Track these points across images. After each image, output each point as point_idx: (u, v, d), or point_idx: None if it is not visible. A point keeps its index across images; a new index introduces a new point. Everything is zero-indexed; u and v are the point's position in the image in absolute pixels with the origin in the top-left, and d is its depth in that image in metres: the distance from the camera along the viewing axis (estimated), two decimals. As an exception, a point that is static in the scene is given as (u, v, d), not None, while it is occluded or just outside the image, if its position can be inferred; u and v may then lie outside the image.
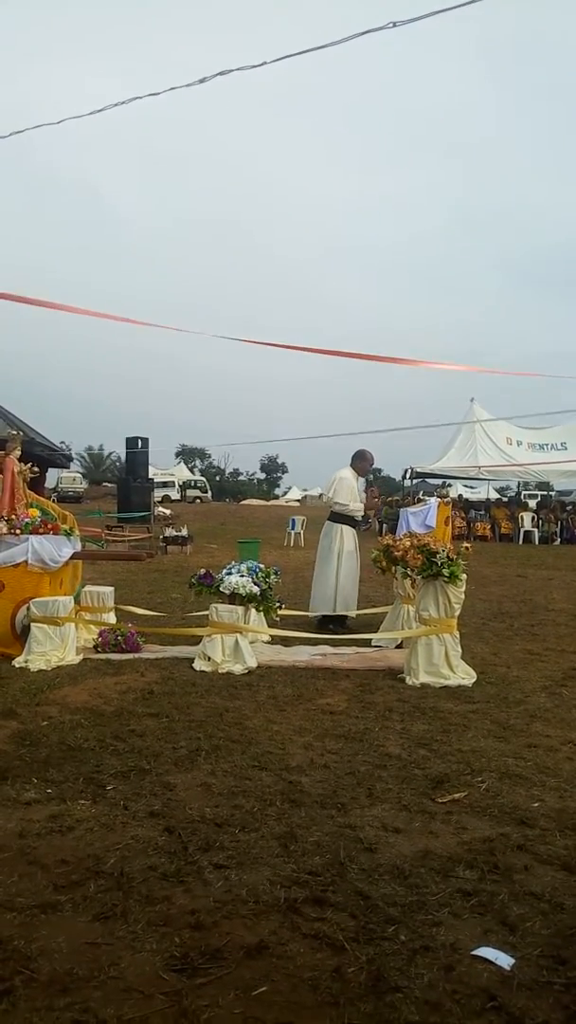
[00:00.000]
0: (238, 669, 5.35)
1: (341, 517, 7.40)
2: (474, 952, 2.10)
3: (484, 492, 34.43)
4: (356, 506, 7.37)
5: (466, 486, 35.16)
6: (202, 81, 4.25)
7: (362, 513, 7.52)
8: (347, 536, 7.32)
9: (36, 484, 7.85)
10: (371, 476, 7.91)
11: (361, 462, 7.49)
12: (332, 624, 7.06)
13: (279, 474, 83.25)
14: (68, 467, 29.29)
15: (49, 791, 3.18)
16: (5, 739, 3.83)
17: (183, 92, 4.41)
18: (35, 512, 6.23)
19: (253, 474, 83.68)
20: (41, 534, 5.90)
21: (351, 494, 7.33)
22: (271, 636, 6.42)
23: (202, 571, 6.02)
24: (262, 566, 6.08)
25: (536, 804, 3.15)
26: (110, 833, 2.80)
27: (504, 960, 2.06)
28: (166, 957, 2.05)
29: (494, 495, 33.60)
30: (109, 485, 43.45)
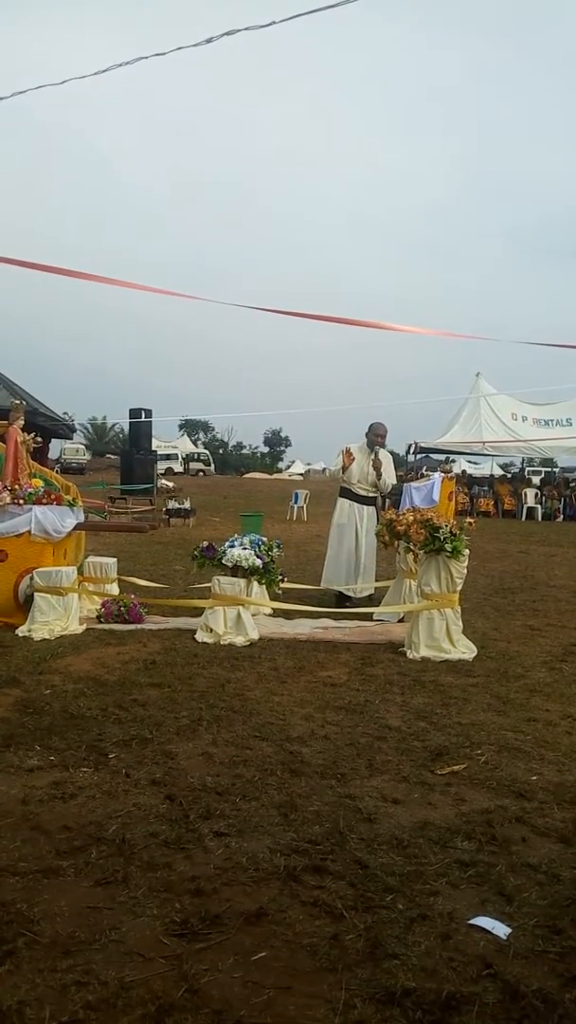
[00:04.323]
0: (240, 641, 5.37)
1: (342, 491, 7.36)
2: (471, 921, 2.12)
3: (488, 468, 34.34)
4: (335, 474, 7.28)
5: (470, 462, 35.04)
6: (209, 41, 4.14)
7: (365, 486, 7.33)
8: (342, 509, 7.28)
9: (39, 455, 7.84)
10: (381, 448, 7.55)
11: (368, 433, 7.32)
12: (348, 603, 7.02)
13: (282, 447, 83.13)
14: (71, 438, 29.28)
15: (52, 758, 3.21)
16: (9, 707, 3.86)
17: (190, 52, 4.31)
18: (38, 482, 6.22)
19: (256, 447, 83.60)
20: (44, 504, 5.90)
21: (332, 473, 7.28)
22: (273, 609, 6.44)
23: (205, 543, 6.02)
24: (265, 539, 6.08)
25: (534, 777, 3.17)
26: (112, 800, 2.82)
27: (501, 929, 2.08)
28: (167, 922, 2.08)
29: (498, 471, 33.52)
30: (112, 457, 43.43)
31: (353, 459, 7.19)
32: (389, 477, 7.29)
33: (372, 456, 7.17)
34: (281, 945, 2.00)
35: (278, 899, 2.21)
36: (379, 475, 7.16)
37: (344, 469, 7.17)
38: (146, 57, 4.57)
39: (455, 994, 1.80)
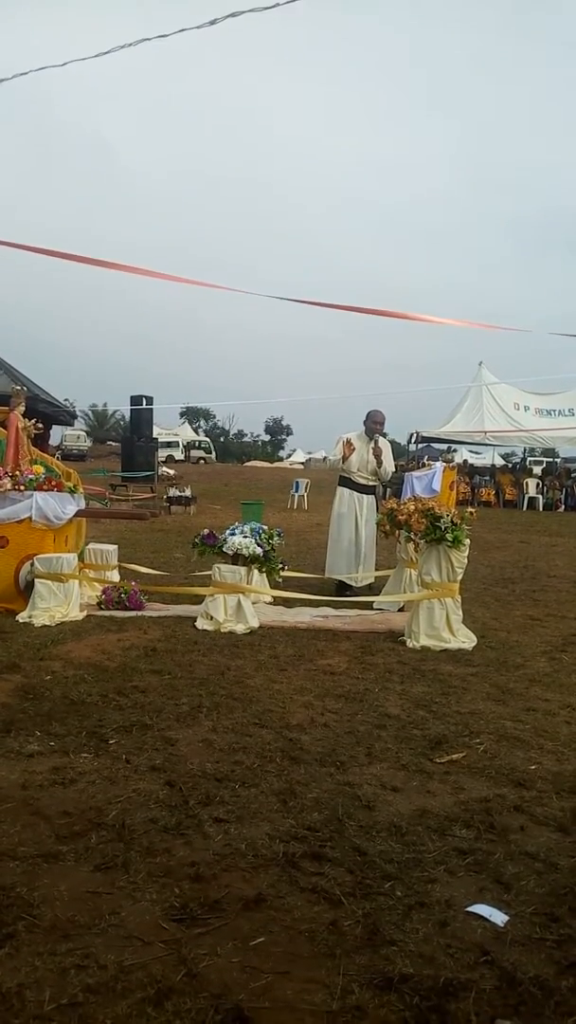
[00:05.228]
0: (240, 629, 5.38)
1: (341, 480, 7.37)
2: (469, 909, 2.13)
3: (489, 458, 34.27)
4: (341, 461, 7.20)
5: (471, 451, 35.01)
6: (213, 23, 4.09)
7: (363, 475, 7.25)
8: (342, 498, 7.30)
9: (40, 441, 7.82)
10: (384, 435, 7.46)
11: (366, 421, 7.29)
12: (347, 592, 7.02)
13: (283, 436, 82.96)
14: (72, 424, 29.21)
15: (52, 744, 3.22)
16: (9, 692, 3.87)
17: (193, 34, 4.25)
18: (39, 469, 6.21)
19: (258, 436, 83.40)
20: (45, 491, 5.89)
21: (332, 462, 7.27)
22: (273, 597, 6.44)
23: (205, 531, 6.02)
24: (265, 527, 6.07)
25: (533, 766, 3.18)
26: (112, 786, 2.83)
27: (498, 917, 2.09)
28: (166, 907, 2.09)
29: (499, 461, 33.45)
30: (113, 444, 43.37)
31: (353, 449, 7.16)
32: (389, 464, 7.28)
33: (371, 444, 7.16)
34: (280, 931, 2.01)
35: (277, 885, 2.22)
36: (379, 463, 7.14)
37: (344, 459, 7.15)
38: (149, 39, 4.51)
39: (452, 980, 1.81)
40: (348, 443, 7.18)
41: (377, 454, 7.12)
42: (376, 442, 7.16)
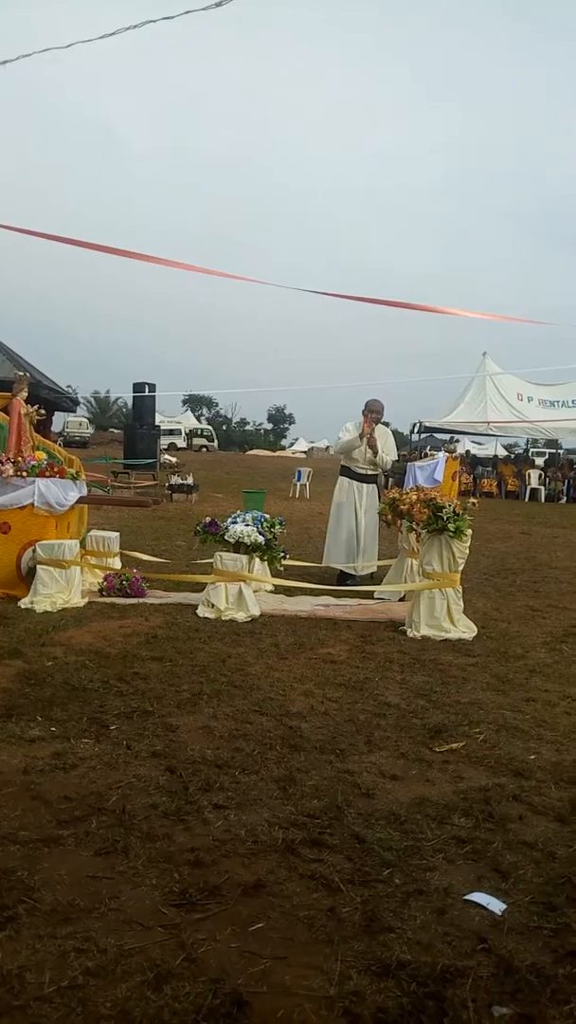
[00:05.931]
0: (241, 617, 5.39)
1: (342, 469, 7.36)
2: (466, 897, 2.14)
3: (492, 448, 34.21)
4: (348, 444, 7.22)
5: (474, 442, 34.95)
6: (218, 5, 4.04)
7: (361, 462, 7.22)
8: (342, 487, 7.29)
9: (43, 427, 7.82)
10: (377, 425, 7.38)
11: (364, 410, 7.22)
12: (349, 581, 7.02)
13: (286, 425, 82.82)
14: (74, 411, 29.18)
15: (53, 729, 3.23)
16: (10, 678, 3.88)
17: (199, 16, 4.19)
18: (41, 455, 6.20)
19: (260, 424, 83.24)
20: (47, 477, 5.89)
21: (343, 445, 7.26)
22: (274, 585, 6.45)
23: (208, 519, 6.02)
24: (267, 516, 6.07)
25: (532, 756, 3.18)
26: (112, 771, 2.85)
27: (496, 905, 2.10)
28: (165, 892, 2.10)
29: (502, 452, 33.40)
30: (116, 431, 43.29)
31: (376, 438, 7.10)
32: (388, 453, 7.24)
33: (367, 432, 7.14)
34: (278, 916, 2.02)
35: (276, 871, 2.23)
36: (375, 451, 7.10)
37: (363, 436, 7.05)
38: (154, 20, 4.46)
39: (450, 967, 1.83)
40: (372, 434, 7.09)
41: (372, 443, 7.09)
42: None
